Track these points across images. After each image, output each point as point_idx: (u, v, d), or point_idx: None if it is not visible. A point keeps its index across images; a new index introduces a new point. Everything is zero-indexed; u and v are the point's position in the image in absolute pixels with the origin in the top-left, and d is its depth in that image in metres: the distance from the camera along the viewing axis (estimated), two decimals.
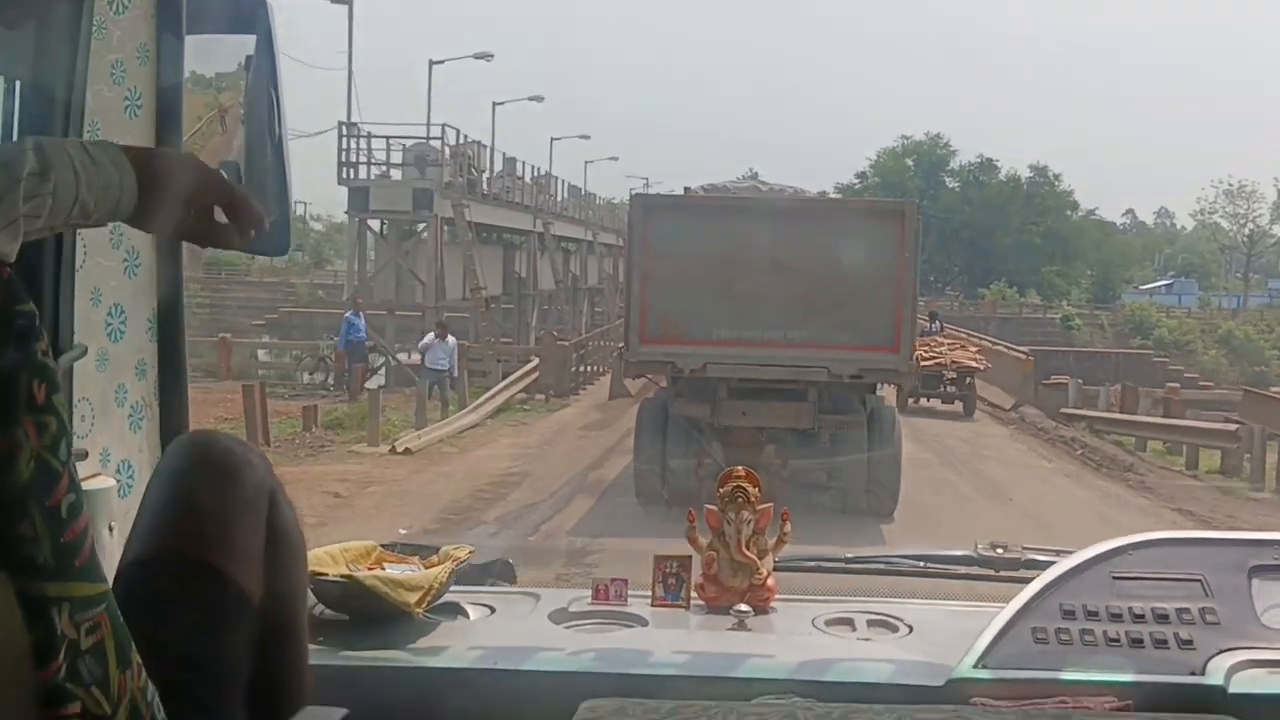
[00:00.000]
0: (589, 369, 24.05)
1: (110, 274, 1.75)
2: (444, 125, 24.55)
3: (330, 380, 19.97)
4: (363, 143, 23.91)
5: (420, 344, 17.81)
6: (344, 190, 23.41)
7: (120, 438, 1.73)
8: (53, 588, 0.97)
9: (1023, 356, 22.04)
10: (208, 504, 1.26)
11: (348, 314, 20.40)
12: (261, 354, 24.80)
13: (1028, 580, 1.59)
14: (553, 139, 39.32)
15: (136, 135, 1.74)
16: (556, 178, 35.89)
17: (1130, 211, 74.08)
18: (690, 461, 9.92)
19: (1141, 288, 54.59)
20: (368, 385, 21.51)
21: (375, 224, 24.57)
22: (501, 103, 33.11)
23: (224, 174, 1.31)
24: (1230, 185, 54.01)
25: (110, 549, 1.67)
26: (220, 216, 1.19)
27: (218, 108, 2.00)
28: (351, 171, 23.60)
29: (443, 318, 19.38)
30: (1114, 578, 1.56)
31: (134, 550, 1.29)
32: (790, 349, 10.31)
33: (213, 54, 1.94)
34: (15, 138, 1.62)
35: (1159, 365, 32.67)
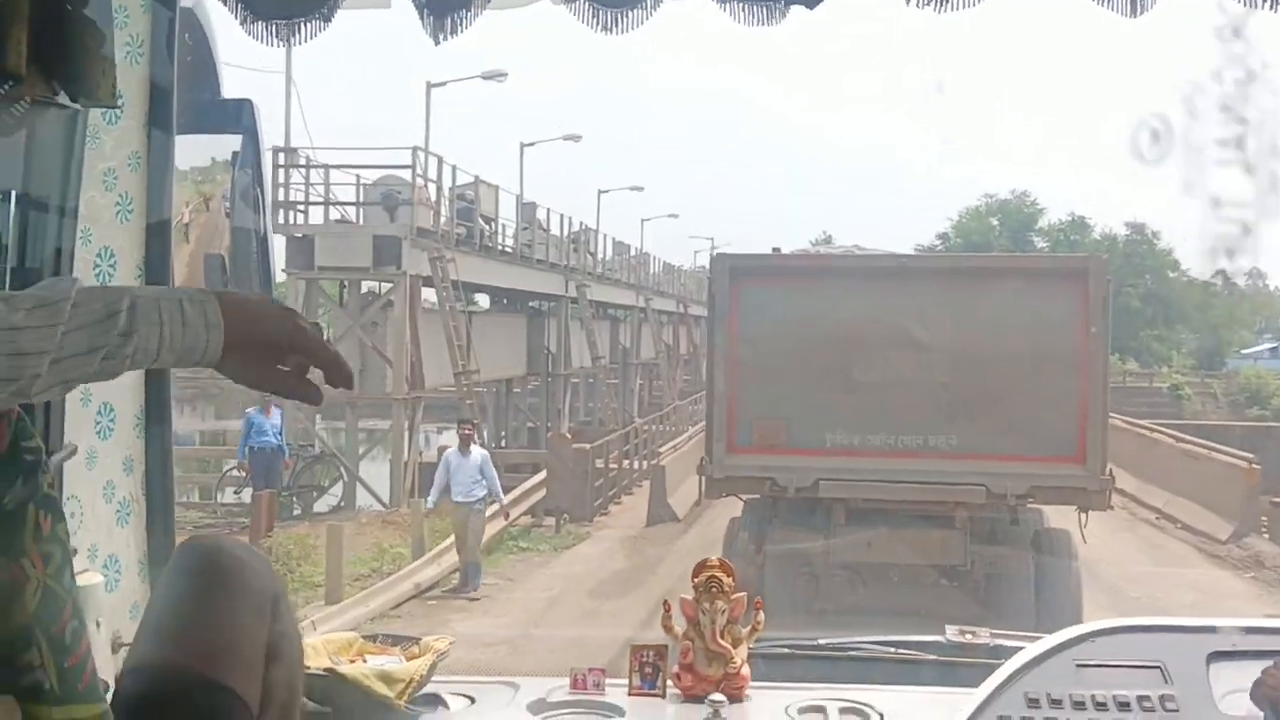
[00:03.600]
0: (636, 465, 24.31)
1: None
2: (414, 149, 23.82)
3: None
4: (314, 175, 23.40)
5: (441, 465, 15.69)
6: (280, 239, 22.17)
7: (108, 533, 2.54)
8: (58, 712, 1.39)
9: (1243, 465, 20.40)
10: (214, 613, 1.67)
11: (250, 411, 19.42)
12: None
13: (995, 665, 2.33)
14: (600, 191, 42.16)
15: (127, 238, 2.59)
16: (599, 233, 38.43)
17: (1221, 272, 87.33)
18: (796, 613, 9.83)
19: (1244, 353, 63.30)
20: (316, 509, 21.23)
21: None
22: (531, 144, 35.81)
23: (282, 309, 1.62)
24: None
25: (99, 644, 2.48)
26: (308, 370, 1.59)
27: (200, 198, 2.88)
28: (292, 214, 23.02)
29: (466, 414, 18.52)
30: (1077, 665, 2.28)
31: (136, 657, 1.69)
32: (932, 460, 10.47)
33: (188, 150, 2.81)
34: (10, 244, 2.39)
35: None
